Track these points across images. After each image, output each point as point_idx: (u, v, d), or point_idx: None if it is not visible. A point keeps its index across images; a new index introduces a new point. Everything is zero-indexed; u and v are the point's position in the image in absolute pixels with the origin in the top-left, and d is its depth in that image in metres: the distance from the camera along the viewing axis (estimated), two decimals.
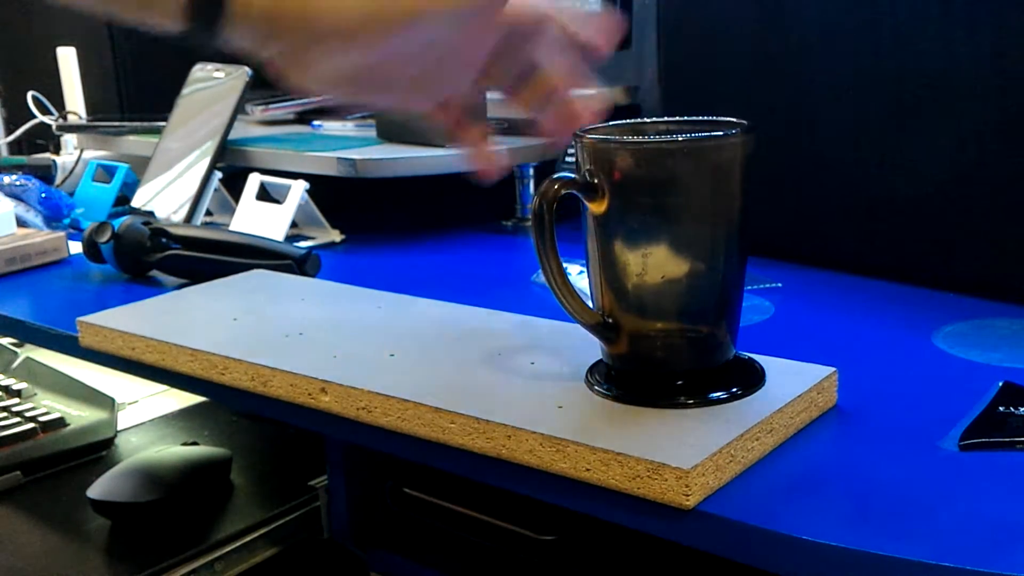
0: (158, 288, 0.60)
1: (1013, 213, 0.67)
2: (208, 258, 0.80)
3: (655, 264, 0.49)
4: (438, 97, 0.52)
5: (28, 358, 0.95)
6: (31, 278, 0.90)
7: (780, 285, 0.76)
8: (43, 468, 0.80)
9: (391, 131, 1.01)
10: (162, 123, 1.07)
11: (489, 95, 1.00)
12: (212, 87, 1.06)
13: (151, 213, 0.99)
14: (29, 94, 1.26)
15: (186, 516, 0.71)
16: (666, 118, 0.54)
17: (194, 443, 0.81)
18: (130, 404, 0.94)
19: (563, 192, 0.48)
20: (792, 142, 0.78)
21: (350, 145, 0.99)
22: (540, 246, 0.49)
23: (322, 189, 0.94)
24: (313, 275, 0.81)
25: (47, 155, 1.27)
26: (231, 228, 0.95)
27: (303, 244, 0.92)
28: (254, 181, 0.97)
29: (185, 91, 1.08)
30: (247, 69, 1.03)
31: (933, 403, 0.54)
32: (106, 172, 1.12)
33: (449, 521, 0.63)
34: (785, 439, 0.49)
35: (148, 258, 0.81)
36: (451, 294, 0.73)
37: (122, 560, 0.67)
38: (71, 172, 1.21)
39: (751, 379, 0.52)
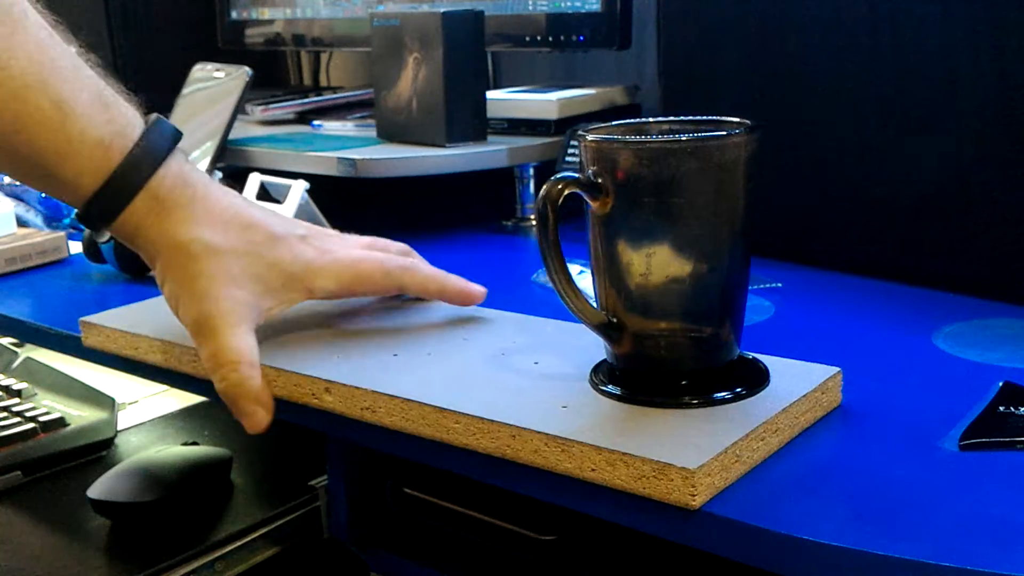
0: (158, 288, 0.60)
1: (1013, 213, 0.67)
2: None
3: (659, 264, 0.49)
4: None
5: (28, 358, 0.95)
6: (31, 278, 0.90)
7: (780, 285, 0.76)
8: (43, 468, 0.80)
9: (391, 131, 1.01)
10: None
11: (490, 95, 1.00)
12: (212, 87, 1.06)
13: None
14: None
15: (186, 516, 0.71)
16: (669, 118, 0.54)
17: (194, 443, 0.81)
18: (130, 404, 0.94)
19: (566, 192, 0.48)
20: (792, 142, 0.78)
21: (350, 145, 1.00)
22: (544, 245, 0.49)
23: (322, 189, 0.94)
24: None
25: None
26: None
27: None
28: (254, 181, 0.97)
29: (185, 91, 1.08)
30: (247, 69, 1.03)
31: (933, 403, 0.54)
32: None
33: (449, 521, 0.63)
34: (790, 439, 0.49)
35: None
36: None
37: (122, 560, 0.67)
38: None
39: (755, 379, 0.52)
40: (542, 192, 0.49)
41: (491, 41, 1.04)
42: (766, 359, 0.55)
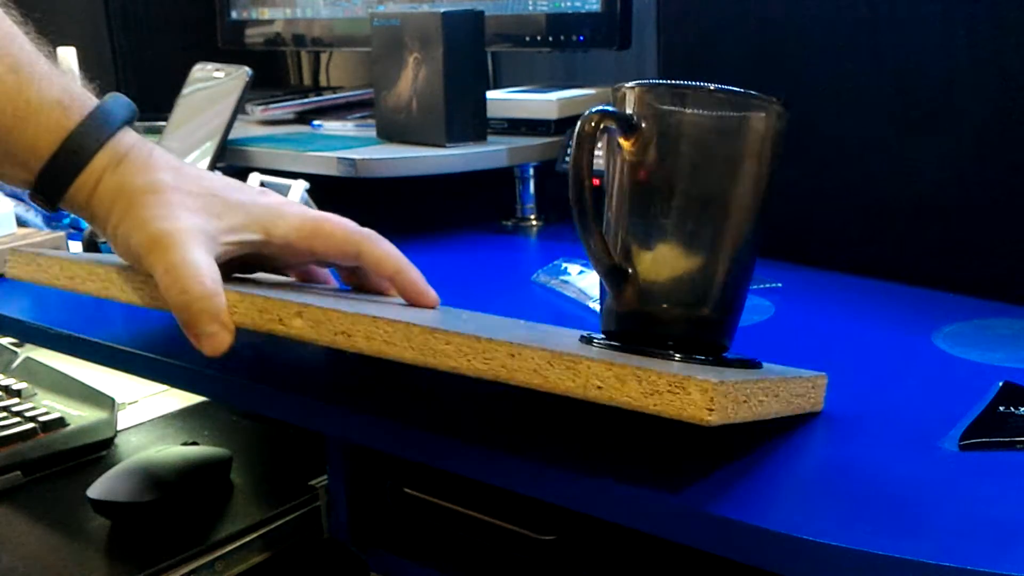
0: None
1: (1013, 214, 0.67)
2: None
3: (677, 215, 0.49)
4: None
5: (28, 358, 0.95)
6: None
7: (780, 285, 0.76)
8: (43, 468, 0.80)
9: (391, 131, 1.01)
10: (162, 123, 1.07)
11: (490, 95, 1.00)
12: (212, 87, 1.06)
13: None
14: None
15: (186, 516, 0.71)
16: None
17: (194, 443, 0.81)
18: (130, 404, 0.94)
19: (602, 125, 0.49)
20: (792, 142, 0.78)
21: (350, 145, 1.00)
22: (576, 172, 0.48)
23: (322, 189, 0.94)
24: None
25: None
26: None
27: None
28: (254, 181, 0.97)
29: (185, 91, 1.08)
30: (247, 69, 1.03)
31: (933, 403, 0.54)
32: None
33: (449, 521, 0.63)
34: (785, 412, 0.49)
35: None
36: (451, 294, 0.73)
37: (122, 560, 0.67)
38: None
39: (750, 362, 0.52)
40: (580, 122, 0.49)
41: (491, 41, 1.04)
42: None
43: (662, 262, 0.50)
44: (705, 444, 0.50)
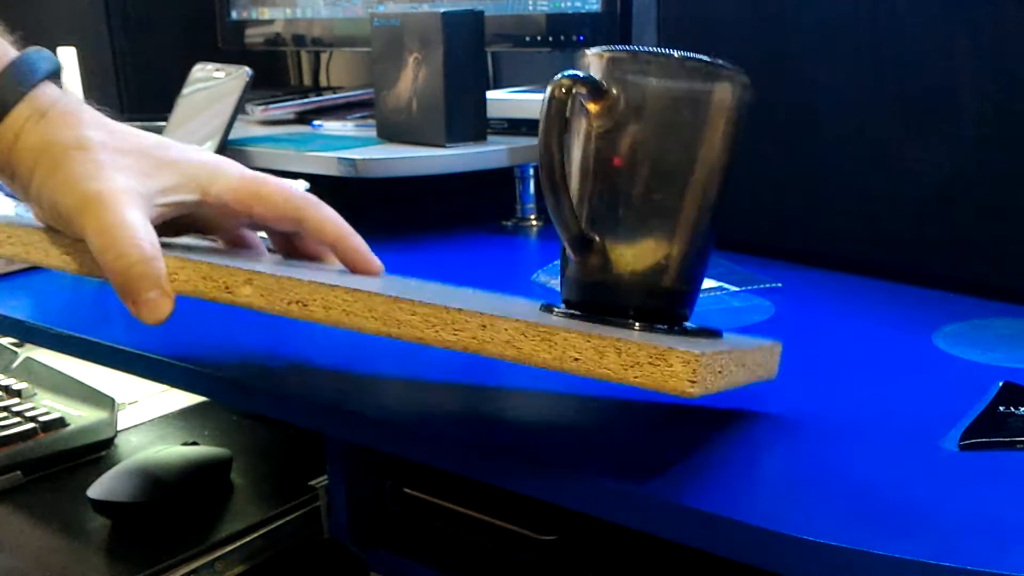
0: None
1: (1013, 213, 0.67)
2: None
3: (643, 184, 0.49)
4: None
5: (28, 358, 0.95)
6: (31, 278, 0.89)
7: (780, 285, 0.76)
8: (43, 468, 0.80)
9: (391, 131, 1.01)
10: (162, 123, 1.07)
11: (490, 95, 1.00)
12: (212, 87, 1.06)
13: None
14: None
15: (186, 516, 0.71)
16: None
17: (194, 443, 0.81)
18: (130, 404, 0.94)
19: (574, 91, 0.49)
20: (792, 142, 0.78)
21: (350, 145, 0.99)
22: (547, 138, 0.48)
23: (322, 189, 0.94)
24: None
25: None
26: None
27: None
28: None
29: (185, 91, 1.08)
30: (247, 69, 1.03)
31: (933, 403, 0.54)
32: None
33: (449, 521, 0.63)
34: (748, 381, 0.48)
35: None
36: None
37: (122, 560, 0.67)
38: None
39: (710, 333, 0.52)
40: (551, 86, 0.49)
41: (491, 41, 1.04)
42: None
43: (627, 231, 0.50)
44: (705, 444, 0.51)
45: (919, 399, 0.54)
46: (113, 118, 0.55)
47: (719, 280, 0.76)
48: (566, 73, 0.49)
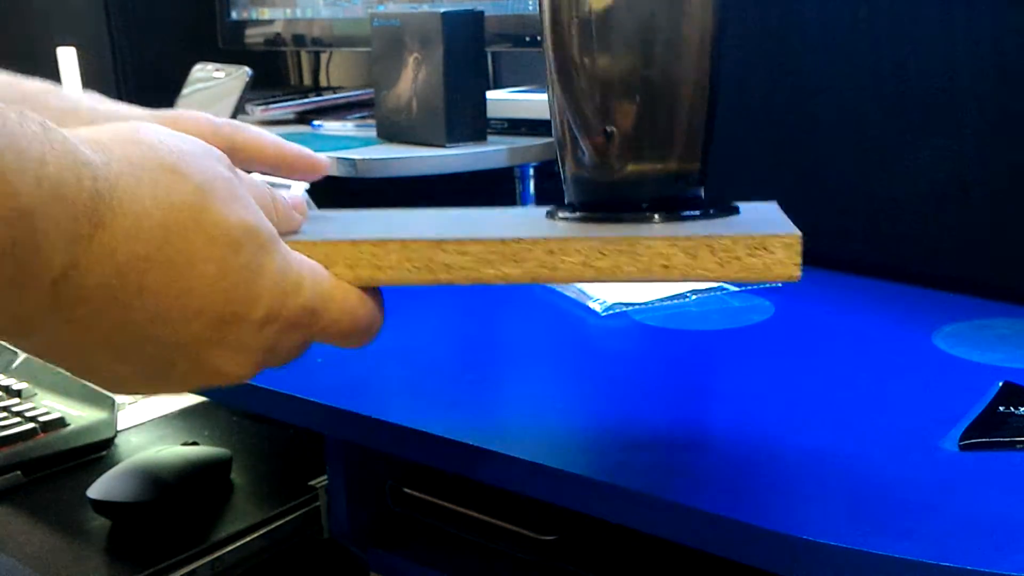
0: None
1: (1013, 213, 0.67)
2: None
3: (645, 64, 0.48)
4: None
5: (28, 358, 0.95)
6: None
7: (780, 285, 0.75)
8: (43, 468, 0.80)
9: (391, 131, 1.01)
10: None
11: (490, 95, 1.00)
12: (212, 87, 1.06)
13: None
14: None
15: (186, 516, 0.71)
16: None
17: (194, 443, 0.81)
18: (130, 404, 0.94)
19: None
20: (792, 142, 0.78)
21: (350, 145, 0.99)
22: (556, 31, 0.47)
23: (322, 189, 0.94)
24: None
25: None
26: None
27: None
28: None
29: (185, 91, 1.08)
30: (247, 69, 1.03)
31: (933, 403, 0.54)
32: None
33: (449, 521, 0.63)
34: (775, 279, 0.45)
35: None
36: (451, 294, 0.73)
37: (122, 560, 0.67)
38: None
39: (731, 210, 0.49)
40: None
41: (491, 41, 1.04)
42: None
43: (637, 117, 0.48)
44: (705, 444, 0.51)
45: (919, 399, 0.54)
46: None
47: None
48: None
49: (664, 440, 0.51)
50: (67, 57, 1.24)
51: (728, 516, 0.42)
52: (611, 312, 0.71)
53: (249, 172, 0.46)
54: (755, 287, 0.75)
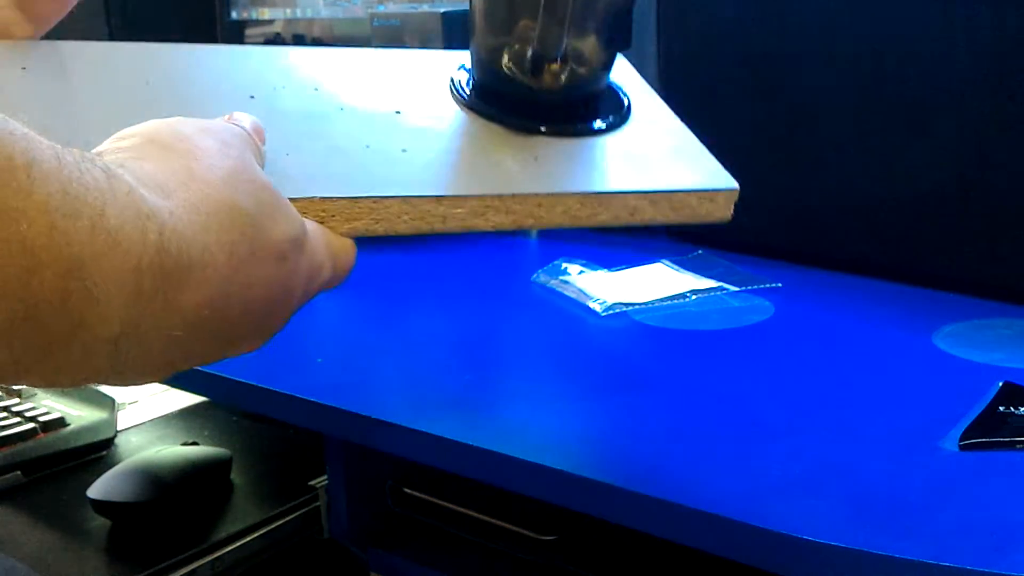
0: None
1: (1013, 213, 0.67)
2: None
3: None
4: None
5: None
6: None
7: (780, 285, 0.75)
8: (43, 468, 0.80)
9: None
10: None
11: None
12: None
13: None
14: None
15: (186, 516, 0.71)
16: None
17: (194, 443, 0.81)
18: (130, 404, 0.94)
19: None
20: (792, 142, 0.78)
21: None
22: None
23: None
24: None
25: None
26: None
27: None
28: None
29: None
30: None
31: (933, 403, 0.54)
32: None
33: (449, 521, 0.63)
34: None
35: None
36: (451, 294, 0.73)
37: (122, 560, 0.67)
38: None
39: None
40: None
41: None
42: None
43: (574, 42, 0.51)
44: (705, 444, 0.51)
45: (919, 399, 0.54)
46: None
47: (719, 280, 0.76)
48: None
49: (664, 440, 0.51)
50: None
51: (728, 516, 0.42)
52: (611, 312, 0.71)
53: None
54: (756, 287, 0.75)
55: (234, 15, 1.39)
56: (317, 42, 1.30)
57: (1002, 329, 0.65)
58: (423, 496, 0.64)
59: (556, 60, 0.51)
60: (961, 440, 0.48)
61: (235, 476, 0.77)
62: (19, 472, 0.78)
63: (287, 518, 0.71)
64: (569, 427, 0.54)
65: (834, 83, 0.75)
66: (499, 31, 0.53)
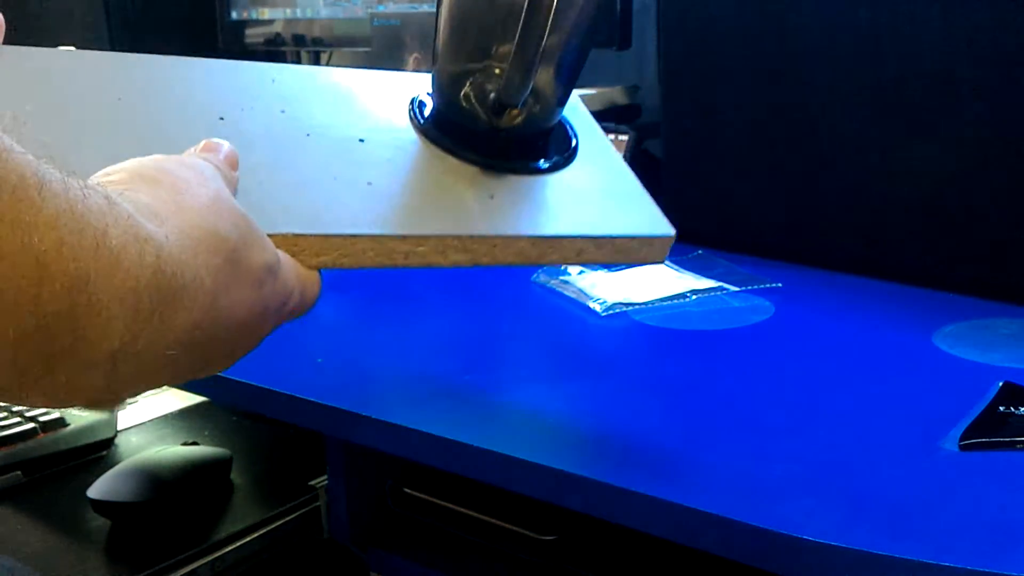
0: None
1: (1013, 214, 0.67)
2: None
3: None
4: None
5: None
6: None
7: (780, 285, 0.75)
8: (43, 468, 0.80)
9: None
10: None
11: None
12: None
13: None
14: None
15: (186, 516, 0.71)
16: None
17: (194, 443, 0.81)
18: (130, 404, 0.94)
19: None
20: (792, 142, 0.78)
21: None
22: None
23: None
24: None
25: None
26: None
27: None
28: None
29: None
30: None
31: (933, 403, 0.54)
32: None
33: (449, 521, 0.63)
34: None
35: None
36: (451, 294, 0.73)
37: (122, 560, 0.67)
38: None
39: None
40: None
41: None
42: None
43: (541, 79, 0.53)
44: (705, 444, 0.51)
45: (919, 399, 0.54)
46: None
47: (719, 280, 0.76)
48: None
49: (664, 440, 0.51)
50: None
51: (728, 516, 0.42)
52: (611, 312, 0.71)
53: None
54: (756, 287, 0.75)
55: (234, 15, 1.39)
56: (317, 42, 1.30)
57: (1002, 329, 0.65)
58: (423, 496, 0.64)
59: (518, 106, 0.53)
60: (961, 440, 0.48)
61: (235, 476, 0.77)
62: (19, 472, 0.78)
63: (287, 518, 0.71)
64: (569, 427, 0.54)
65: (834, 83, 0.75)
66: (462, 61, 0.54)
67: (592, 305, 0.72)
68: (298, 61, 1.57)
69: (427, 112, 0.56)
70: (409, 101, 0.56)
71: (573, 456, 0.49)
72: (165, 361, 0.35)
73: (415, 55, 0.96)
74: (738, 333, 0.66)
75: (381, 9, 1.16)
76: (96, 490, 0.71)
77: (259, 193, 0.47)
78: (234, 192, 0.44)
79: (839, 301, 0.72)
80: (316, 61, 1.55)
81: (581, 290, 0.75)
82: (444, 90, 0.55)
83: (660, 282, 0.76)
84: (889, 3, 0.71)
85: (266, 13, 1.35)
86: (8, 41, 0.51)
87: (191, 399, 0.92)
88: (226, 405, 0.89)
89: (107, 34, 1.29)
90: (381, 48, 1.00)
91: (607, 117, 1.02)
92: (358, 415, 0.56)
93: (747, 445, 0.50)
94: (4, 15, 0.52)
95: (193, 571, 0.66)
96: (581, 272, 0.78)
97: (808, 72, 0.76)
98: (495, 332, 0.73)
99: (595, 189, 0.56)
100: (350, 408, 0.56)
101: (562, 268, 0.79)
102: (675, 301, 0.73)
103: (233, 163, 0.46)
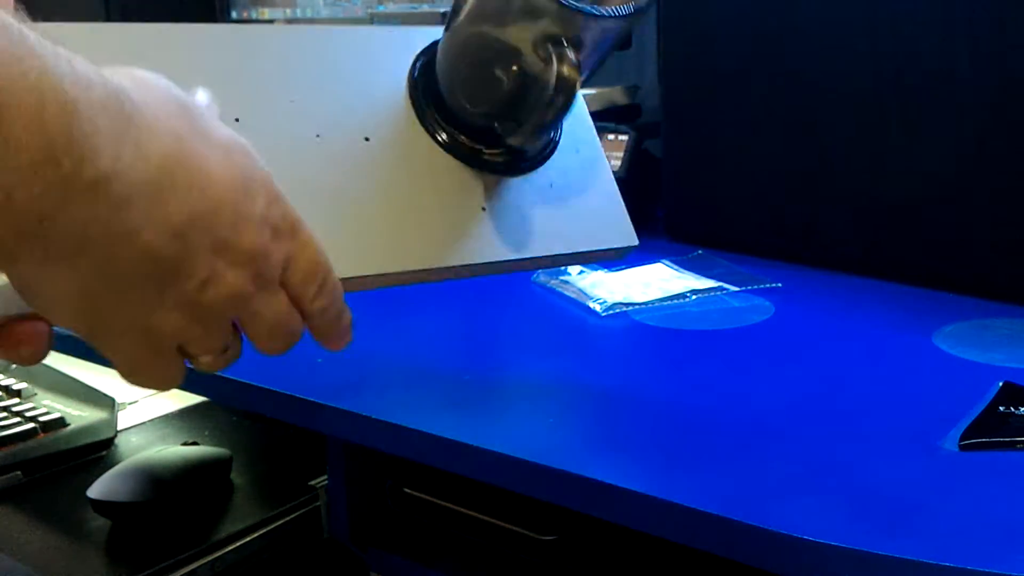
0: None
1: (1013, 214, 0.67)
2: None
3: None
4: None
5: None
6: None
7: (780, 285, 0.76)
8: (43, 468, 0.80)
9: None
10: None
11: None
12: None
13: None
14: None
15: (186, 516, 0.71)
16: None
17: (194, 443, 0.81)
18: (130, 404, 0.94)
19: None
20: (792, 142, 0.78)
21: None
22: None
23: None
24: None
25: None
26: None
27: None
28: None
29: None
30: None
31: (933, 403, 0.54)
32: None
33: (449, 521, 0.63)
34: None
35: None
36: (451, 295, 0.73)
37: (122, 560, 0.67)
38: None
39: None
40: None
41: None
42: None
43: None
44: (705, 444, 0.51)
45: (919, 399, 0.54)
46: None
47: (719, 280, 0.76)
48: None
49: (664, 440, 0.51)
50: None
51: (728, 516, 0.42)
52: (611, 312, 0.71)
53: None
54: (756, 287, 0.75)
55: (234, 15, 1.39)
56: None
57: (1002, 329, 0.65)
58: (423, 496, 0.64)
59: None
60: (961, 440, 0.48)
61: (235, 476, 0.77)
62: (19, 472, 0.78)
63: (287, 518, 0.71)
64: (569, 427, 0.54)
65: (834, 83, 0.75)
66: (478, 105, 0.55)
67: (592, 305, 0.72)
68: None
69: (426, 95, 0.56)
70: (410, 71, 0.57)
71: (573, 456, 0.49)
72: (153, 189, 0.35)
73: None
74: (738, 333, 0.66)
75: (381, 9, 1.16)
76: (96, 490, 0.71)
77: None
78: None
79: (839, 301, 0.72)
80: None
81: (581, 290, 0.75)
82: (449, 92, 0.55)
83: (660, 282, 0.76)
84: (889, 3, 0.71)
85: (266, 13, 1.35)
86: None
87: (191, 399, 0.92)
88: (226, 405, 0.89)
89: None
90: None
91: (607, 117, 1.02)
92: (358, 415, 0.56)
93: (747, 445, 0.50)
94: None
95: (193, 571, 0.66)
96: (581, 272, 0.78)
97: (808, 72, 0.76)
98: (495, 332, 0.73)
99: (572, 193, 0.59)
100: (350, 408, 0.56)
101: (562, 268, 0.79)
102: (675, 301, 0.73)
103: None
